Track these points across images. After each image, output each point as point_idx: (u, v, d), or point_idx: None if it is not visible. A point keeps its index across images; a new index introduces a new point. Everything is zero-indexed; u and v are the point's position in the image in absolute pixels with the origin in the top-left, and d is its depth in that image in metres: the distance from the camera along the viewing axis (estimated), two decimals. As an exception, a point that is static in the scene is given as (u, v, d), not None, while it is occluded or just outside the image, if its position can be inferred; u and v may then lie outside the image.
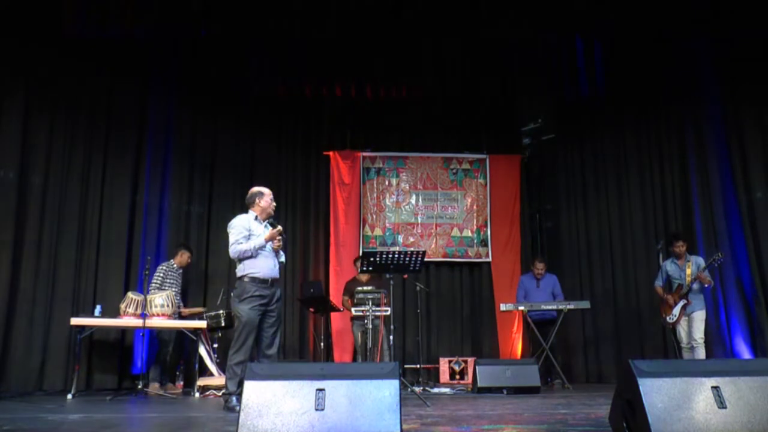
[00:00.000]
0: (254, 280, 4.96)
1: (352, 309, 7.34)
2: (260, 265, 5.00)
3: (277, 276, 5.10)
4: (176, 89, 8.21)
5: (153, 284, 6.97)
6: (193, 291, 8.04)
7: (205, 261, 8.26)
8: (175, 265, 7.26)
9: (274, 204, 5.24)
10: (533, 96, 8.99)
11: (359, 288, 7.37)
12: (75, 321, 6.41)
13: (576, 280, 8.81)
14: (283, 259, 5.22)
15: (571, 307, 7.52)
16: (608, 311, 8.53)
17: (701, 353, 6.61)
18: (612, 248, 8.66)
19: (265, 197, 5.19)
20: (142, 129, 7.92)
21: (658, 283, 7.10)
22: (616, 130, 8.84)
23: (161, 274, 7.10)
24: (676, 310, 6.82)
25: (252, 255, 4.98)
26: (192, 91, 8.31)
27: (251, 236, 5.03)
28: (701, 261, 6.87)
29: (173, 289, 7.07)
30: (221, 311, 7.20)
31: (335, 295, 8.47)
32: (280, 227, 5.09)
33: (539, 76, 8.40)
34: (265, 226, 5.12)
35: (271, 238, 5.02)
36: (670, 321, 6.89)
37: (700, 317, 6.73)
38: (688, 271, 6.78)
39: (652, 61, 8.00)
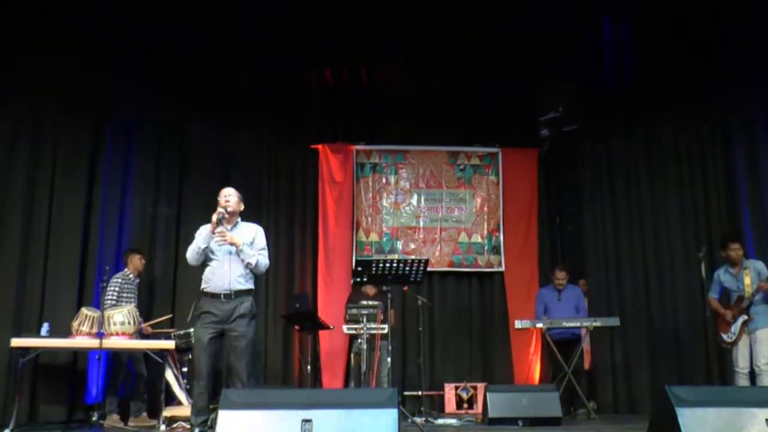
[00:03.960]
0: (206, 295, 5.22)
1: (344, 327, 7.36)
2: (210, 277, 5.24)
3: (236, 288, 5.20)
4: (141, 73, 8.16)
5: (108, 300, 6.92)
6: (160, 306, 8.01)
7: (173, 270, 8.24)
8: (130, 275, 7.23)
9: (221, 202, 5.31)
10: (553, 81, 8.89)
11: (363, 302, 7.38)
12: (16, 342, 6.33)
13: (603, 294, 8.76)
14: (252, 260, 5.25)
15: (598, 324, 7.46)
16: (641, 329, 8.47)
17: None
18: (645, 257, 8.61)
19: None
20: (100, 116, 7.87)
21: (713, 295, 6.98)
22: (649, 120, 8.79)
23: (116, 287, 7.06)
24: (735, 328, 6.69)
25: (200, 258, 5.22)
26: (159, 75, 8.23)
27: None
28: (762, 266, 6.73)
29: (132, 303, 7.03)
30: (191, 330, 7.05)
31: (324, 310, 8.47)
32: (217, 213, 5.20)
33: (560, 58, 8.36)
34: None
35: (212, 230, 5.17)
36: (729, 340, 6.74)
37: (765, 337, 6.53)
38: (747, 280, 6.63)
39: (693, 39, 7.95)
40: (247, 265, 5.24)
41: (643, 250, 8.65)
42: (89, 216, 7.63)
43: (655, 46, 8.14)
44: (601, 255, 8.93)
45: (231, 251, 5.23)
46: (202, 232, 5.30)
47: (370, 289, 7.80)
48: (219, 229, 5.19)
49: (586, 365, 8.29)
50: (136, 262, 7.29)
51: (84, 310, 6.55)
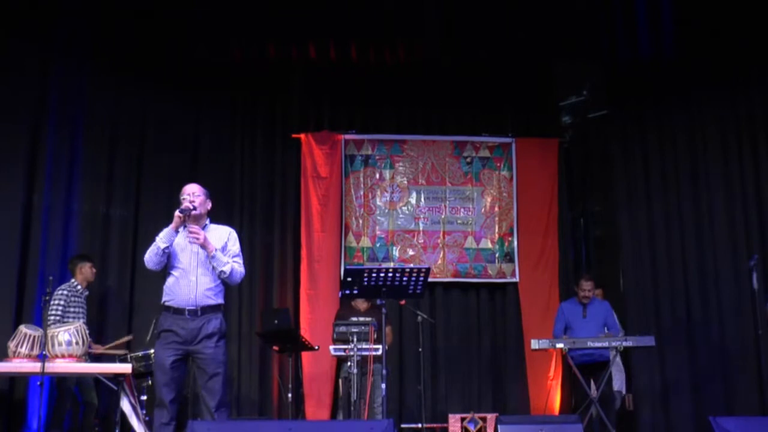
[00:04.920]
0: (167, 310, 5.18)
1: (330, 348, 7.32)
2: (173, 289, 5.19)
3: (203, 303, 5.16)
4: (90, 54, 8.14)
5: (52, 316, 6.87)
6: (115, 323, 8.01)
7: (130, 283, 8.24)
8: (78, 286, 7.22)
9: (183, 199, 5.26)
10: (575, 59, 8.89)
11: (353, 319, 7.39)
12: (-60, 366, 6.28)
13: (637, 309, 8.72)
14: (225, 267, 5.19)
15: (630, 344, 7.32)
16: (681, 351, 8.43)
17: None
18: (686, 265, 8.57)
19: None
20: (42, 106, 7.80)
21: None
22: (691, 104, 8.76)
23: (62, 301, 7.01)
24: None
25: (161, 261, 5.16)
26: (112, 57, 8.24)
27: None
28: None
29: (80, 319, 6.96)
30: (151, 351, 6.96)
31: (308, 328, 8.56)
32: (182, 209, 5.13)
33: (583, 31, 8.33)
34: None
35: (176, 227, 5.11)
36: None
37: None
38: None
39: (746, 5, 7.85)
40: (220, 274, 5.18)
41: (683, 257, 8.63)
42: (29, 219, 7.56)
43: (700, 15, 8.06)
44: (636, 264, 8.89)
45: (199, 258, 5.16)
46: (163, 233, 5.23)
47: (362, 304, 7.79)
48: (190, 230, 5.13)
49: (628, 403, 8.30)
50: (86, 271, 7.26)
51: (23, 329, 6.41)
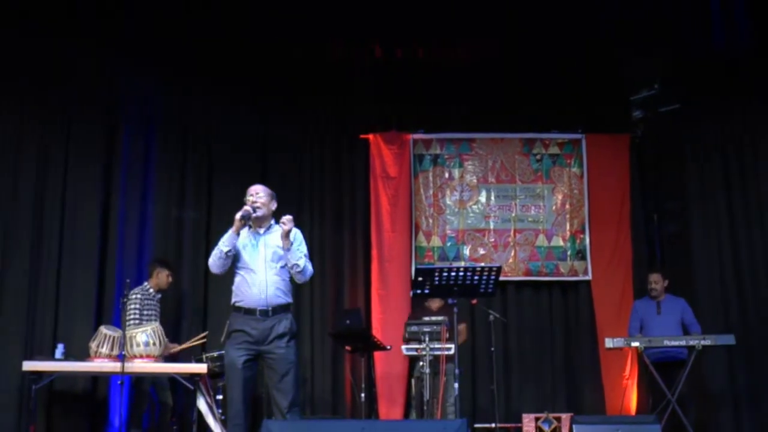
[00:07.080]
0: (238, 310, 5.21)
1: (403, 347, 7.37)
2: (243, 289, 5.21)
3: (274, 302, 5.18)
4: (158, 60, 8.24)
5: (131, 318, 7.00)
6: (190, 325, 8.13)
7: (204, 284, 8.35)
8: (151, 290, 7.33)
9: (248, 201, 5.28)
10: (647, 52, 8.70)
11: (426, 318, 7.42)
12: (28, 366, 6.41)
13: (716, 307, 8.58)
14: (300, 261, 5.23)
15: (708, 343, 7.25)
16: (754, 354, 8.27)
17: None
18: (755, 265, 8.44)
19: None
20: (114, 112, 7.98)
21: None
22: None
23: (137, 304, 7.13)
24: None
25: (224, 265, 5.19)
26: (179, 62, 8.34)
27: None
28: None
29: (154, 321, 7.09)
30: None
31: (379, 327, 8.55)
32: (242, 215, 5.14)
33: (654, 22, 8.22)
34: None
35: (236, 230, 5.12)
36: None
37: None
38: None
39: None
40: (293, 267, 5.20)
41: (766, 253, 8.46)
42: (106, 225, 7.74)
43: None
44: (714, 261, 8.74)
45: (266, 258, 5.21)
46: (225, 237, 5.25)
47: (434, 303, 7.79)
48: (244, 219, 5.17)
49: None
50: (162, 278, 7.37)
51: (103, 330, 6.61)
